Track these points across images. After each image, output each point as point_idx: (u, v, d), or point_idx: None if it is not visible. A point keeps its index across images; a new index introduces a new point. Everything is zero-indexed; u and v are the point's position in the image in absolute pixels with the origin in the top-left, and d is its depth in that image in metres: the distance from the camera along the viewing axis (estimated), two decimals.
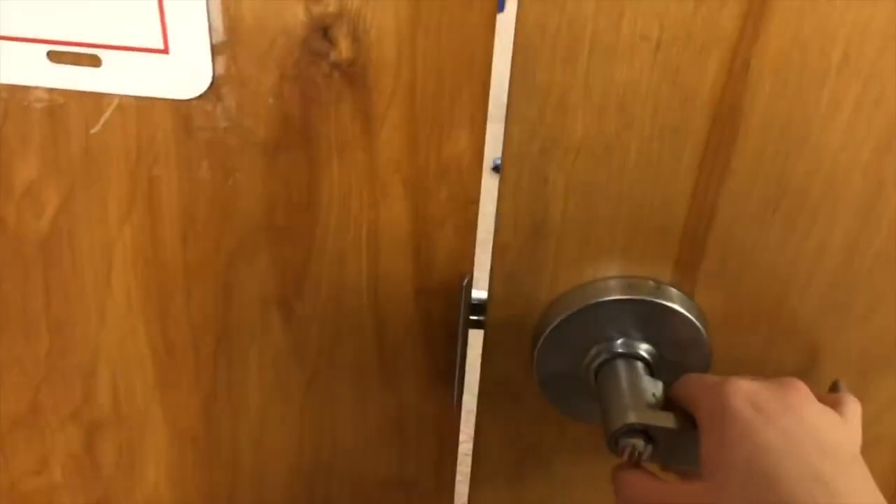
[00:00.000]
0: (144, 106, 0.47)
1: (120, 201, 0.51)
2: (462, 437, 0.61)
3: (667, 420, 0.46)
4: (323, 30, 0.44)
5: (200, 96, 0.46)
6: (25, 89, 0.47)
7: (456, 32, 0.44)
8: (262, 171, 0.49)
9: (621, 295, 0.51)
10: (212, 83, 0.46)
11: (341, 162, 0.49)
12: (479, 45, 0.45)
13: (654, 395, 0.48)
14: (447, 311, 0.54)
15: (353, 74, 0.46)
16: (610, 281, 0.51)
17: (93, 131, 0.48)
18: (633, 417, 0.46)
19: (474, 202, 0.50)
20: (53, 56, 0.45)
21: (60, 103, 0.47)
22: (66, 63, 0.45)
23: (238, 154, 0.49)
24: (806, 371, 0.54)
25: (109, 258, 0.53)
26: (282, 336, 0.56)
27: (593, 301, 0.51)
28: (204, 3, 0.43)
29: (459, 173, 0.49)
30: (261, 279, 0.54)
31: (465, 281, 0.53)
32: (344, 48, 0.45)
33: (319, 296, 0.54)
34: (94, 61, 0.45)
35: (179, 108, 0.47)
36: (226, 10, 0.44)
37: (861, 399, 0.51)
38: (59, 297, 0.55)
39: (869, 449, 0.53)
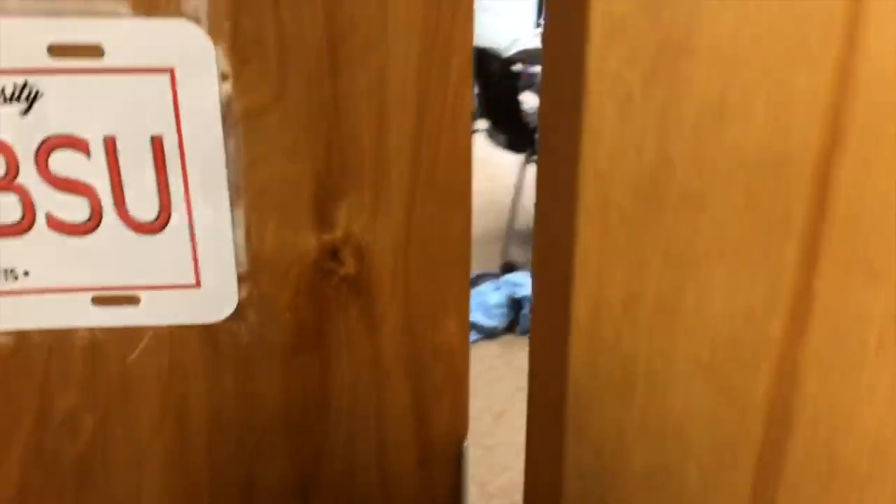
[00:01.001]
0: (177, 332, 0.54)
1: (152, 418, 0.57)
2: None
3: None
4: (332, 252, 0.53)
5: (227, 318, 0.54)
6: (71, 330, 0.53)
7: (440, 243, 0.54)
8: (281, 375, 0.56)
9: None
10: (237, 307, 0.54)
11: (350, 357, 0.56)
12: (460, 251, 0.54)
13: None
14: (448, 476, 0.61)
15: (359, 285, 0.54)
16: None
17: (129, 360, 0.54)
18: None
19: (465, 377, 0.59)
20: (97, 300, 0.52)
21: (101, 339, 0.54)
22: (108, 305, 0.52)
23: (259, 362, 0.56)
24: None
25: (140, 470, 0.58)
26: None
27: None
28: (232, 243, 0.51)
29: (451, 353, 0.57)
30: (279, 470, 0.60)
31: (463, 447, 0.60)
32: (350, 265, 0.54)
33: (334, 478, 0.60)
34: (134, 301, 0.52)
35: (208, 331, 0.54)
36: (249, 245, 0.52)
37: None
38: None
39: None
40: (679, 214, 0.40)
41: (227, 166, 0.49)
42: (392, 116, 0.50)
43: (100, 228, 0.50)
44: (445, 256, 0.54)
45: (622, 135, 0.38)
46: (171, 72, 0.46)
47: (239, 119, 0.49)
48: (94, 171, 0.48)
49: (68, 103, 0.46)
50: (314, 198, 0.51)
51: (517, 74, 3.19)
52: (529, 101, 3.21)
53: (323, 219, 0.52)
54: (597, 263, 0.40)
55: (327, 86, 0.49)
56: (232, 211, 0.51)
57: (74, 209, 0.49)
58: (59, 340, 0.54)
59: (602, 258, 0.40)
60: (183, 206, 0.50)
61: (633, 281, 0.41)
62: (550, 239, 0.42)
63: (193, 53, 0.46)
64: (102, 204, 0.49)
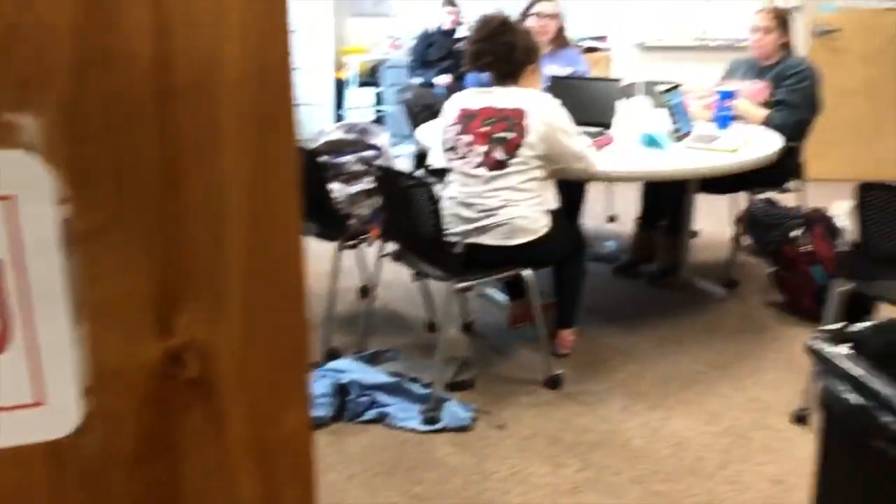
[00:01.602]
0: (20, 452, 0.54)
1: None
2: None
3: None
4: (175, 357, 0.55)
5: (72, 433, 0.54)
6: None
7: (278, 339, 0.58)
8: (129, 484, 0.57)
9: None
10: (82, 420, 0.54)
11: (198, 459, 0.58)
12: (298, 344, 0.59)
13: None
14: None
15: (202, 387, 0.57)
16: None
17: None
18: None
19: (312, 465, 0.62)
20: None
21: None
22: None
23: (105, 474, 0.56)
24: None
25: None
26: None
27: None
28: (75, 359, 0.53)
29: (297, 444, 0.61)
30: None
31: None
32: (193, 368, 0.56)
33: None
34: None
35: (52, 447, 0.54)
36: (93, 358, 0.54)
37: None
38: None
39: None
40: None
41: (69, 285, 0.51)
42: (228, 225, 0.54)
43: None
44: (284, 351, 0.58)
45: None
46: (11, 199, 0.48)
47: (78, 239, 0.51)
48: None
49: None
50: (155, 307, 0.54)
51: (324, 165, 3.27)
52: (337, 189, 3.29)
53: (164, 327, 0.55)
54: None
55: (164, 202, 0.52)
56: (75, 327, 0.52)
57: None
58: None
59: None
60: (24, 326, 0.51)
61: None
62: None
63: (32, 181, 0.48)
64: None
